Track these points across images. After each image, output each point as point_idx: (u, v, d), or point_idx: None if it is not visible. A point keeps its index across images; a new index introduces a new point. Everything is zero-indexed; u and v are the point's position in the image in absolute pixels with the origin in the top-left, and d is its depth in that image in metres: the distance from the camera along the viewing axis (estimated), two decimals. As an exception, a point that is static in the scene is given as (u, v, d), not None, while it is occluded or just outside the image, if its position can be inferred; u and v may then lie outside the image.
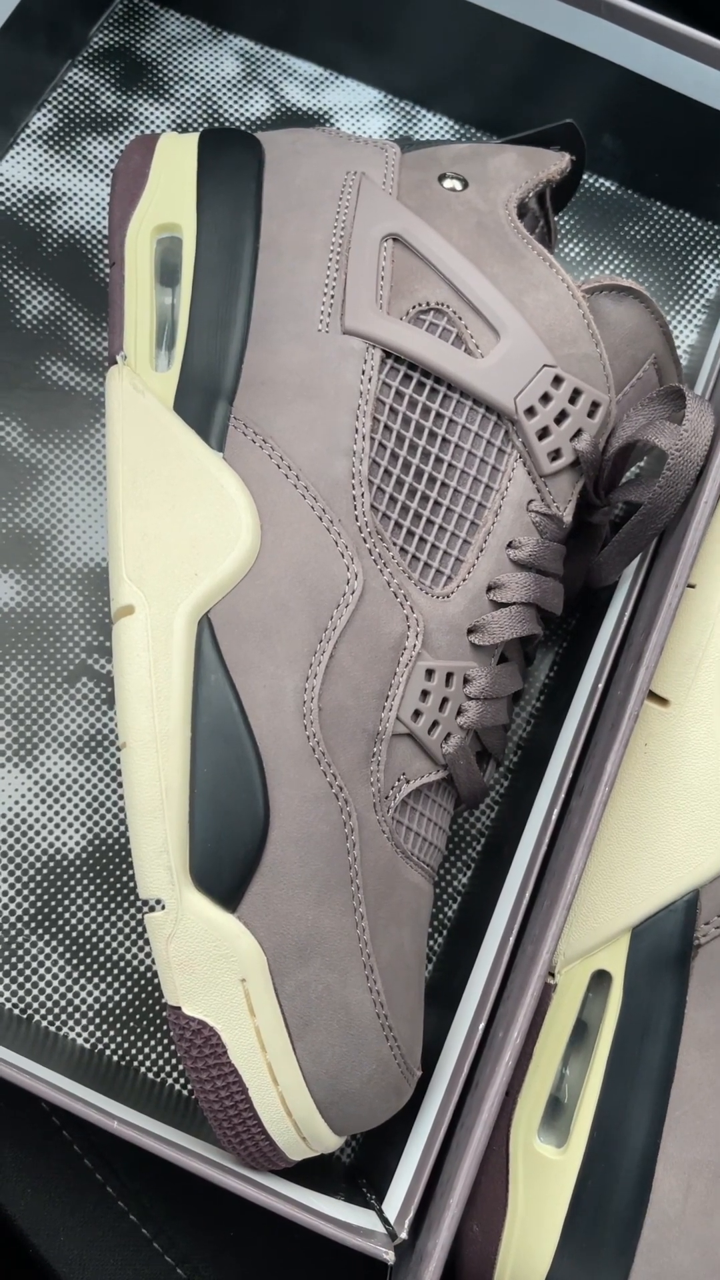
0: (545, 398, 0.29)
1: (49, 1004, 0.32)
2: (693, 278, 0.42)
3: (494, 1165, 0.27)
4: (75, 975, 0.32)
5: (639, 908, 0.28)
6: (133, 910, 0.33)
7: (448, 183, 0.31)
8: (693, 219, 0.42)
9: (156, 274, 0.31)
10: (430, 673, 0.28)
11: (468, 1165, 0.24)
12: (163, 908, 0.25)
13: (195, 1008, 0.24)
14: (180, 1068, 0.32)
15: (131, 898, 0.33)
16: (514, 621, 0.29)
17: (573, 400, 0.30)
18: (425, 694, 0.28)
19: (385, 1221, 0.26)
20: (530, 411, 0.29)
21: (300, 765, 0.25)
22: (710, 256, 0.42)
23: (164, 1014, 0.32)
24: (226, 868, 0.25)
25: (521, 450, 0.29)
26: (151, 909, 0.25)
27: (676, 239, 0.42)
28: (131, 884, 0.33)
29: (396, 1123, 0.28)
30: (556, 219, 0.41)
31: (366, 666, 0.27)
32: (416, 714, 0.27)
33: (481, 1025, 0.27)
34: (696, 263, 0.42)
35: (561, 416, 0.30)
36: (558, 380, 0.30)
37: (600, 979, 0.28)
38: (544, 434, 0.30)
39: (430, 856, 0.28)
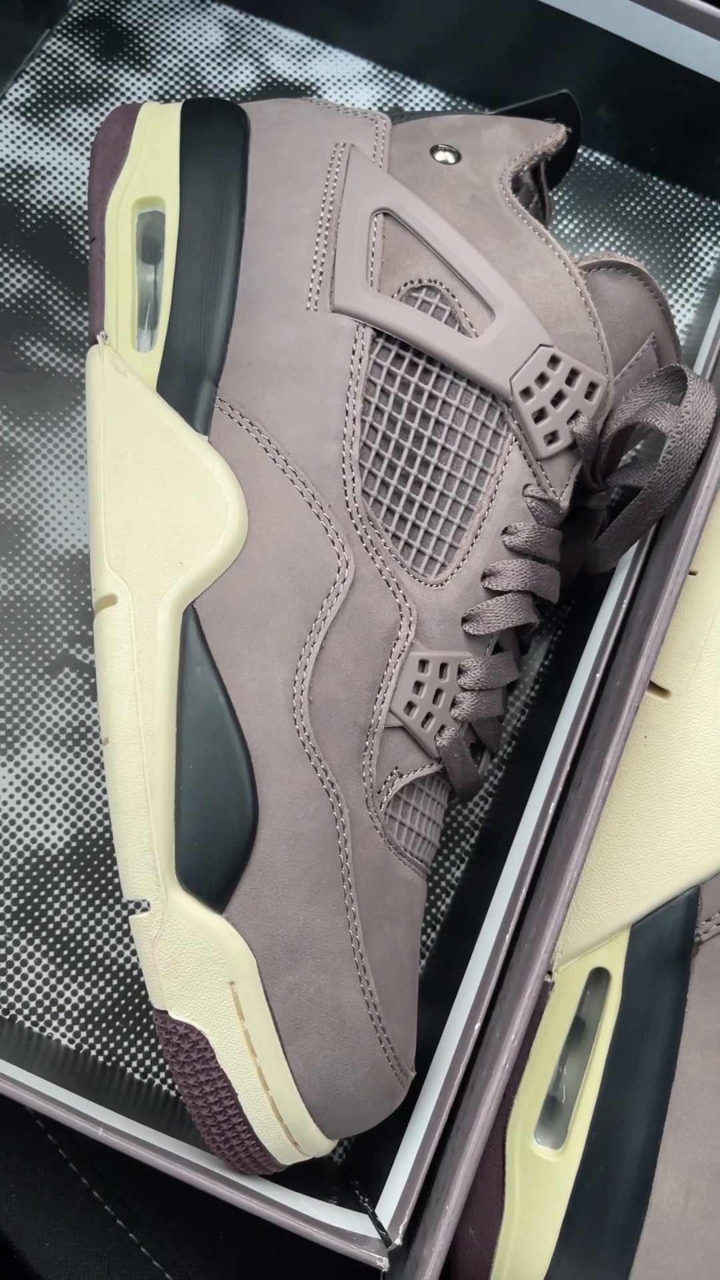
0: (541, 378, 0.29)
1: (32, 1004, 0.31)
2: (690, 255, 0.41)
3: (490, 1167, 0.26)
4: (59, 974, 0.31)
5: (638, 904, 0.27)
6: (118, 907, 0.32)
7: (440, 155, 0.30)
8: (690, 195, 0.41)
9: (138, 250, 0.30)
10: (424, 663, 0.27)
11: (464, 1171, 0.24)
12: (148, 909, 0.24)
13: (182, 1011, 0.24)
14: (168, 1069, 0.31)
15: (117, 894, 0.32)
16: (510, 610, 0.28)
17: (570, 381, 0.29)
18: (418, 685, 0.27)
19: (379, 1226, 0.25)
20: (526, 393, 0.28)
21: (290, 760, 0.25)
22: (708, 233, 0.41)
23: (151, 1015, 0.31)
24: (214, 867, 0.24)
25: (517, 433, 0.28)
26: (135, 910, 0.24)
27: (674, 215, 0.41)
28: (117, 879, 0.32)
29: (390, 1124, 0.27)
30: (551, 194, 0.40)
31: (358, 658, 0.26)
32: (409, 706, 0.26)
33: (477, 1025, 0.26)
34: (694, 240, 0.41)
35: (558, 398, 0.29)
36: (554, 360, 0.29)
37: (599, 977, 0.27)
38: (540, 416, 0.29)
39: (424, 852, 0.27)
